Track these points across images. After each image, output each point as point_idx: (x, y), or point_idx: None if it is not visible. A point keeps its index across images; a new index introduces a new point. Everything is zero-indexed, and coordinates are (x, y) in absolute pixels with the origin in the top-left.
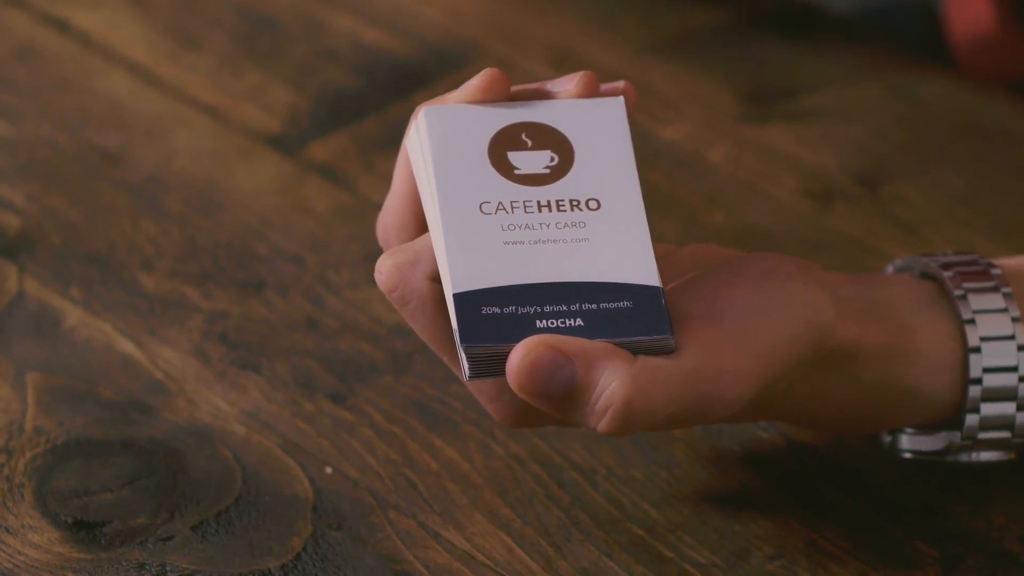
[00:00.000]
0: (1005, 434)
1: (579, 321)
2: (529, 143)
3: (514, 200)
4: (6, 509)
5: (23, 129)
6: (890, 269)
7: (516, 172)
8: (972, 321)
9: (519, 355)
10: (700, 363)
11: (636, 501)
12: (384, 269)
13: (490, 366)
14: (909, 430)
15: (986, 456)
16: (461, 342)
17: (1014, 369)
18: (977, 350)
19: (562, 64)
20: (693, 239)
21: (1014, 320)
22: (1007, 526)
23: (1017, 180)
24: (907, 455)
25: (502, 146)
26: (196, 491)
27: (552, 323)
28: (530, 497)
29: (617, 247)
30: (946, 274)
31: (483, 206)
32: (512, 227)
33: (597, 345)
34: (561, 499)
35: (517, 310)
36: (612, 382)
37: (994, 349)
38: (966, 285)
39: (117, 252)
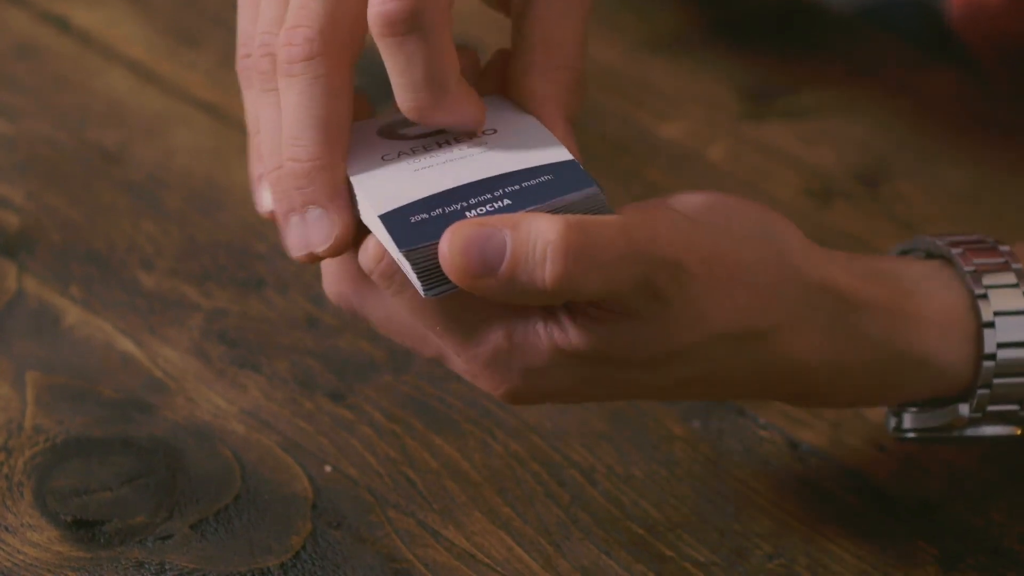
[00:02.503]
0: (1014, 407)
1: (506, 202)
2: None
3: (413, 147)
4: (5, 508)
5: (23, 127)
6: (893, 252)
7: (410, 133)
8: (985, 296)
9: (447, 240)
10: (633, 220)
11: (636, 500)
12: (369, 247)
13: (438, 273)
14: (913, 408)
15: (991, 431)
16: (399, 248)
17: None
18: (991, 325)
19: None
20: None
21: None
22: (1006, 524)
23: (1018, 178)
24: (912, 435)
25: (392, 128)
26: (196, 490)
27: (480, 211)
28: (530, 496)
29: (524, 144)
30: (955, 251)
31: (384, 156)
32: (418, 161)
33: (523, 213)
34: (561, 498)
35: (444, 210)
36: (543, 228)
37: (1008, 324)
38: (977, 261)
39: (117, 251)
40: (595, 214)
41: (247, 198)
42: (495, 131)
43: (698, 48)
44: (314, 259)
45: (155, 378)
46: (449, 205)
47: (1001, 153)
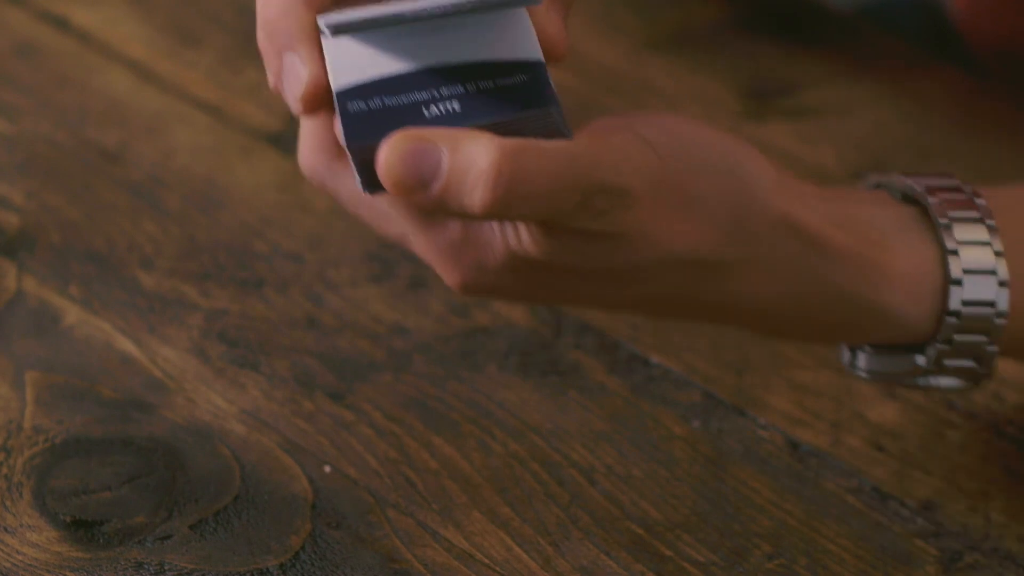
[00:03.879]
0: (971, 364)
1: (456, 106)
2: None
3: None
4: (4, 508)
5: (22, 126)
6: (870, 182)
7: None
8: (955, 252)
9: (386, 150)
10: (581, 144)
11: (635, 500)
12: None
13: (377, 174)
14: (869, 348)
15: (944, 383)
16: (344, 141)
17: (992, 304)
18: (959, 282)
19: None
20: None
21: (997, 255)
22: (1006, 524)
23: (1017, 176)
24: (864, 375)
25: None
26: (195, 490)
27: (431, 112)
28: (529, 496)
29: (503, 29)
30: (932, 200)
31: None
32: (390, 8)
33: (464, 130)
34: (560, 497)
35: (398, 101)
36: (479, 155)
37: (975, 283)
38: (951, 214)
39: (116, 250)
40: (549, 132)
41: (247, 197)
42: (475, 8)
43: (698, 48)
44: (299, 111)
45: (155, 378)
46: (404, 94)
47: (1000, 152)
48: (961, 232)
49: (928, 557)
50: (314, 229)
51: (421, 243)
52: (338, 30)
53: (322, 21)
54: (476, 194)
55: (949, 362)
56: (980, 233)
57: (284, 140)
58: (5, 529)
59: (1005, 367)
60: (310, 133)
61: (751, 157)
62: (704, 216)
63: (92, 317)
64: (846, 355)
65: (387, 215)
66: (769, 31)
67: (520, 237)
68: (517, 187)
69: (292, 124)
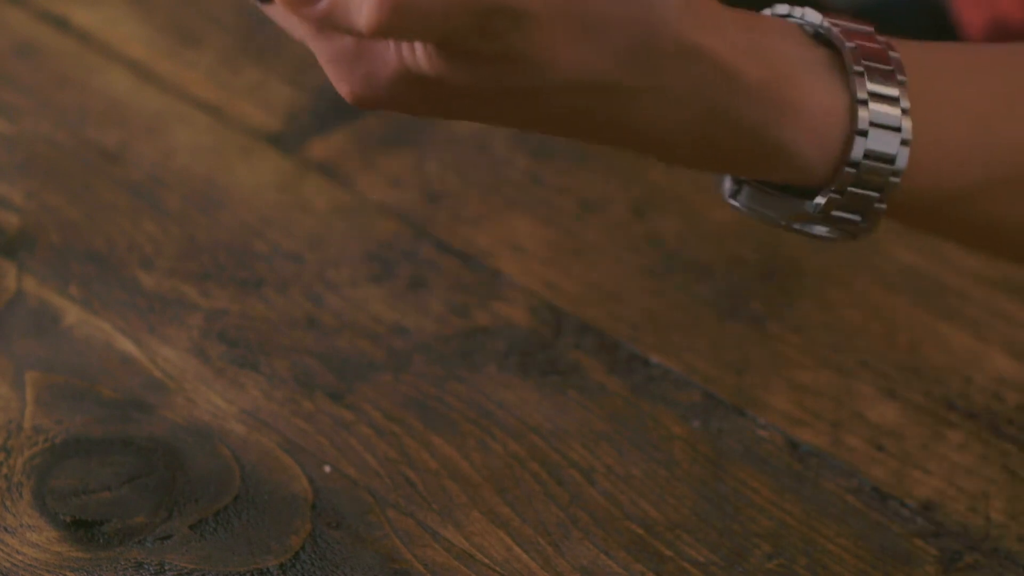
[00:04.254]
0: (856, 217)
1: None
2: None
3: None
4: (4, 508)
5: (22, 126)
6: (780, 10)
7: None
8: (865, 102)
9: None
10: None
11: (635, 499)
12: None
13: None
14: (756, 184)
15: (820, 231)
16: None
17: (891, 161)
18: (864, 133)
19: None
20: (695, 236)
21: (904, 112)
22: (1006, 524)
23: None
24: (743, 210)
25: None
26: (195, 490)
27: None
28: (529, 495)
29: None
30: (848, 44)
31: None
32: None
33: None
34: (560, 497)
35: None
36: None
37: (879, 137)
38: (865, 63)
39: (116, 250)
40: None
41: (247, 197)
42: None
43: None
44: None
45: (154, 378)
46: None
47: None
48: (873, 84)
49: (928, 557)
50: (314, 229)
51: (314, 46)
52: None
53: None
54: (363, 13)
55: (836, 213)
56: (891, 88)
57: (284, 140)
58: (5, 529)
59: (1005, 366)
60: None
61: None
62: (606, 40)
63: (92, 317)
64: (729, 187)
65: (287, 17)
66: None
67: (415, 53)
68: (406, 8)
69: (292, 124)
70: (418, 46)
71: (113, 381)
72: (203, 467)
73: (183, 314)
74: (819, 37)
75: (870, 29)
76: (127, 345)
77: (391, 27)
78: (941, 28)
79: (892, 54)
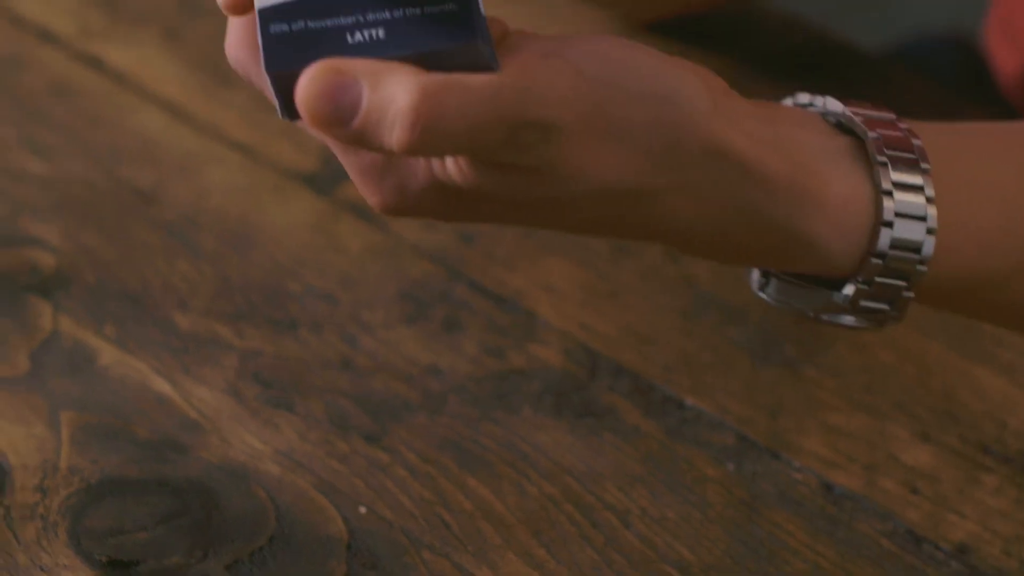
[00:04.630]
0: (884, 306)
1: (381, 34)
2: None
3: None
4: (41, 548)
5: (57, 166)
6: (801, 100)
7: None
8: (890, 193)
9: (305, 82)
10: (507, 77)
11: (670, 542)
12: None
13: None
14: (785, 277)
15: (849, 320)
16: (264, 67)
17: (918, 250)
18: (889, 224)
19: None
20: (729, 279)
21: (928, 200)
22: None
23: None
24: (772, 302)
25: None
26: (230, 530)
27: (353, 38)
28: (564, 537)
29: None
30: (871, 135)
31: None
32: None
33: (387, 63)
34: (595, 540)
35: (321, 24)
36: (398, 92)
37: (905, 227)
38: (889, 152)
39: (151, 290)
40: (475, 65)
41: (281, 237)
42: None
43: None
44: (225, 11)
45: (190, 418)
46: (328, 18)
47: None
48: (897, 173)
49: None
50: (348, 270)
51: (343, 159)
52: None
53: None
54: (394, 135)
55: (865, 303)
56: (915, 177)
57: (318, 180)
58: (42, 569)
59: None
60: (238, 25)
61: (685, 81)
62: (634, 146)
63: (127, 357)
64: (757, 279)
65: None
66: (799, 73)
67: (445, 165)
68: (436, 126)
69: (326, 164)
70: (448, 158)
71: (148, 421)
72: (238, 508)
73: (218, 354)
74: (841, 126)
75: (892, 116)
76: (162, 385)
77: (422, 145)
78: (974, 69)
79: (915, 141)
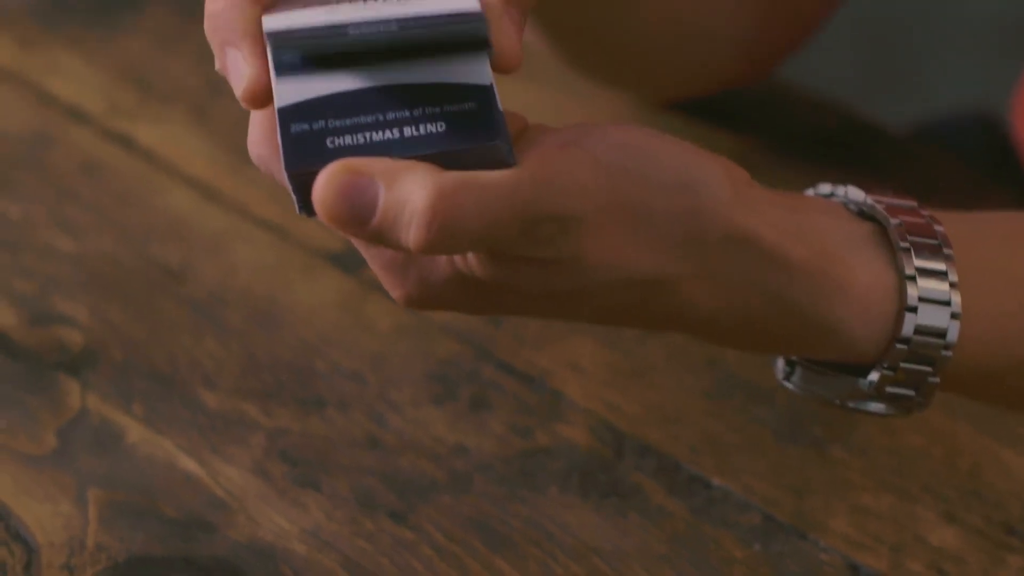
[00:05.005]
0: (910, 392)
1: (400, 132)
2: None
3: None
4: None
5: (86, 244)
6: (823, 190)
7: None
8: (913, 278)
9: (322, 183)
10: (525, 172)
11: None
12: None
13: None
14: (809, 366)
15: (875, 407)
16: (283, 167)
17: (943, 335)
18: (913, 310)
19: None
20: (755, 358)
21: (952, 286)
22: None
23: None
24: (798, 391)
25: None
26: None
27: (372, 136)
28: None
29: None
30: (893, 221)
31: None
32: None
33: (403, 161)
34: None
35: (339, 123)
36: (415, 193)
37: (929, 312)
38: (911, 238)
39: (179, 368)
40: (493, 162)
41: (309, 316)
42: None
43: (758, 170)
44: (244, 106)
45: (217, 497)
46: (348, 117)
47: None
48: (920, 260)
49: None
50: (376, 349)
51: (365, 254)
52: (279, 42)
53: (266, 32)
54: (411, 234)
55: (890, 389)
56: (938, 263)
57: (345, 260)
58: None
59: None
60: (259, 122)
61: (706, 170)
62: (655, 235)
63: (155, 435)
64: (782, 368)
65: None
66: (825, 153)
67: (466, 258)
68: (453, 225)
69: (353, 244)
70: (469, 254)
71: (175, 500)
72: None
73: (245, 433)
74: (863, 214)
75: (913, 204)
76: (189, 464)
77: (439, 244)
78: (1002, 148)
79: (937, 228)
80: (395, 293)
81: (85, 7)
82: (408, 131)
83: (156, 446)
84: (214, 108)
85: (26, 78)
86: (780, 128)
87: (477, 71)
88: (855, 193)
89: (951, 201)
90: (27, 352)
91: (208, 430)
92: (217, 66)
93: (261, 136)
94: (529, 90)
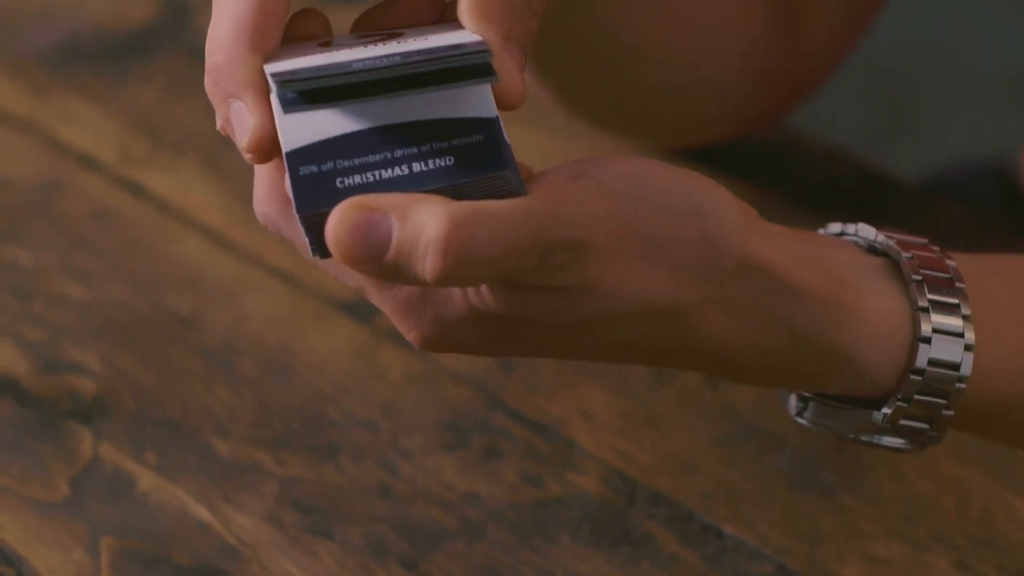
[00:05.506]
0: (924, 426)
1: (409, 168)
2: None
3: (352, 42)
4: None
5: (98, 292)
6: (833, 229)
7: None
8: (927, 310)
9: (334, 221)
10: (535, 201)
11: None
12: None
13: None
14: (823, 400)
15: (889, 442)
16: (295, 209)
17: (956, 367)
18: (927, 340)
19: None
20: (768, 406)
21: (964, 319)
22: None
23: None
24: (811, 426)
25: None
26: None
27: (381, 174)
28: None
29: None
30: (905, 255)
31: (311, 55)
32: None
33: (414, 195)
34: None
35: (348, 163)
36: (429, 224)
37: (942, 344)
38: (924, 271)
39: (191, 416)
40: (503, 192)
41: (321, 364)
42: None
43: (767, 217)
44: (249, 160)
45: (229, 545)
46: (356, 157)
47: None
48: (933, 291)
49: None
50: (387, 396)
51: (378, 298)
52: (284, 82)
53: (270, 74)
54: (427, 265)
55: (904, 422)
56: (951, 294)
57: (357, 308)
58: None
59: None
60: (264, 179)
61: (716, 196)
62: (667, 261)
63: (167, 483)
64: (794, 405)
65: (345, 269)
66: (838, 204)
67: (480, 292)
68: (468, 254)
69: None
70: (483, 285)
71: (188, 548)
72: None
73: (257, 481)
74: (875, 250)
75: (924, 240)
76: (201, 512)
77: (455, 274)
78: (1015, 198)
79: (949, 262)
80: (411, 335)
81: (96, 55)
82: (417, 167)
83: (168, 494)
84: (226, 156)
85: (38, 126)
86: (790, 177)
87: (482, 104)
88: (866, 230)
89: (962, 249)
90: (39, 400)
91: (220, 478)
92: (219, 124)
93: (266, 195)
94: (536, 137)
